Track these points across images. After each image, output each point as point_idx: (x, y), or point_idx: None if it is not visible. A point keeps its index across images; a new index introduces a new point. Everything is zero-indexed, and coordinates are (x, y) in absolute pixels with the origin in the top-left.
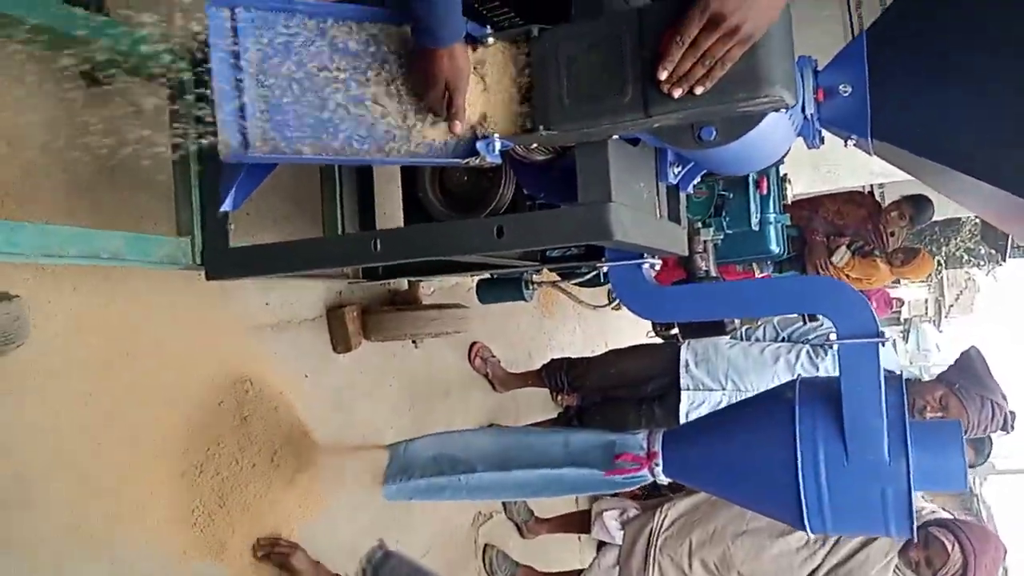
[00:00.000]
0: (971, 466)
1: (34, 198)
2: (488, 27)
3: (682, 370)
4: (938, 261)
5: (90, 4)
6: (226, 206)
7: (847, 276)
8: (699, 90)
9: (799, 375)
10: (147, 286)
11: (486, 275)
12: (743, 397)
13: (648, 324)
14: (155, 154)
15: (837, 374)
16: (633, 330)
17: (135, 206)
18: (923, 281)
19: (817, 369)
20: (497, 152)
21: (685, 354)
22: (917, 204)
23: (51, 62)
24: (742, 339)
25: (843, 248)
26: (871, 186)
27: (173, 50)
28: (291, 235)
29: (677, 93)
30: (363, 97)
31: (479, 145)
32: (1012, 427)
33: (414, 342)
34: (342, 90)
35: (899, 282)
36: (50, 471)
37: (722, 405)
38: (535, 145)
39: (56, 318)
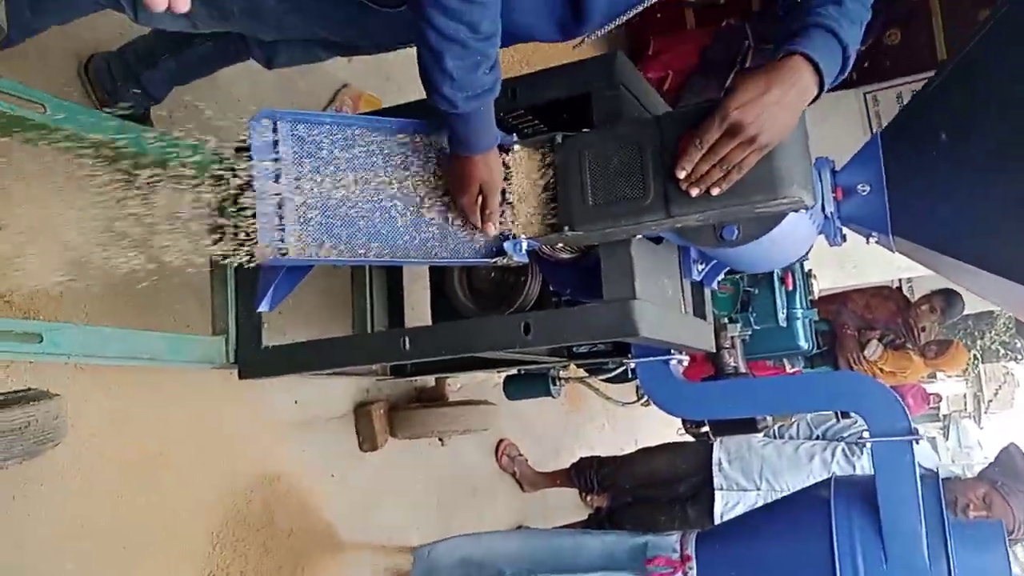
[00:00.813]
0: None
1: (76, 297)
2: (514, 135)
3: (715, 469)
4: (974, 355)
5: (135, 116)
6: (263, 307)
7: (881, 370)
8: (715, 191)
9: (835, 474)
10: (180, 384)
11: (513, 371)
12: (777, 496)
13: (678, 421)
14: (192, 256)
15: (873, 472)
16: (663, 427)
17: (171, 305)
18: (959, 375)
19: (853, 468)
20: (524, 252)
21: (718, 453)
22: (948, 298)
23: (96, 168)
24: (775, 437)
25: (875, 341)
26: (898, 280)
27: (213, 159)
28: (321, 332)
29: (694, 192)
30: (398, 203)
31: (507, 245)
32: None
33: (440, 439)
34: (378, 197)
35: (935, 376)
36: (79, 574)
37: (757, 505)
38: (560, 244)
39: (92, 417)
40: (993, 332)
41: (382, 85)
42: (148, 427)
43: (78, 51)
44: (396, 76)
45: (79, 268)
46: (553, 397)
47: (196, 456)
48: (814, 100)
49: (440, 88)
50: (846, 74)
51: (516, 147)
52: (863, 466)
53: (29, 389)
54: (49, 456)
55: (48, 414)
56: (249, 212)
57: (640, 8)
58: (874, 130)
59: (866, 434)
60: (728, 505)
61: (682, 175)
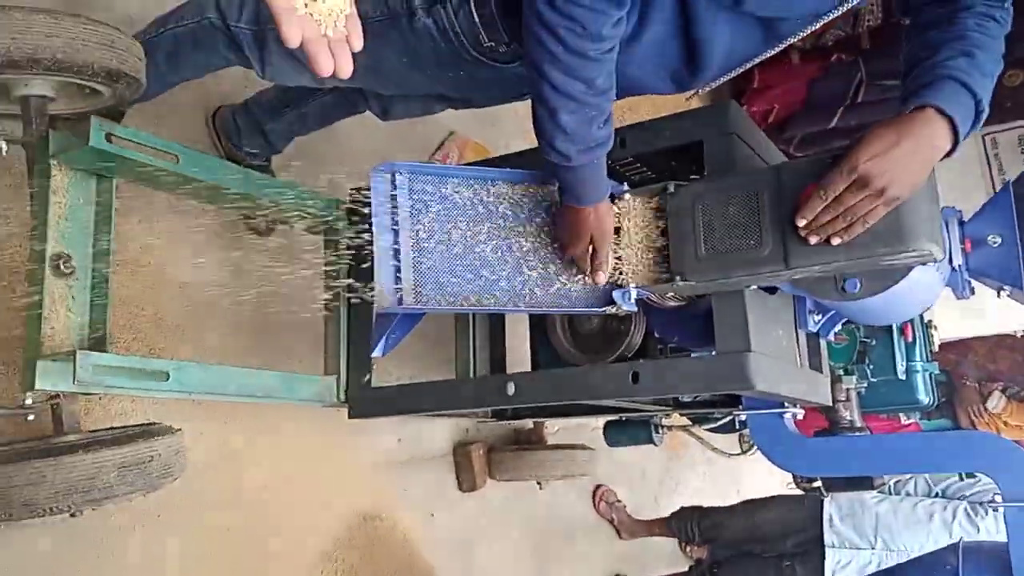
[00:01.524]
0: None
1: (201, 337)
2: (625, 184)
3: (826, 526)
4: None
5: (258, 166)
6: (376, 352)
7: (1005, 424)
8: (836, 241)
9: (960, 537)
10: (291, 421)
11: (614, 416)
12: (893, 557)
13: (787, 474)
14: (308, 301)
15: (1000, 537)
16: (767, 477)
17: (286, 345)
18: None
19: (977, 530)
20: (633, 301)
21: (829, 508)
22: None
23: (222, 216)
24: (890, 493)
25: (998, 393)
26: None
27: (330, 207)
28: (423, 374)
29: (813, 240)
30: (511, 253)
31: (616, 295)
32: None
33: (539, 483)
34: (490, 247)
35: None
36: None
37: (871, 566)
38: (671, 293)
39: (207, 450)
40: None
41: (488, 132)
42: (258, 462)
43: (206, 103)
44: (502, 123)
45: (201, 308)
46: (656, 445)
47: (302, 491)
48: (947, 155)
49: (554, 142)
50: (979, 127)
51: (627, 196)
52: (988, 528)
53: (153, 423)
54: (167, 488)
55: (170, 448)
56: (368, 261)
57: (753, 63)
58: (994, 175)
59: (998, 497)
60: (840, 564)
61: (802, 223)
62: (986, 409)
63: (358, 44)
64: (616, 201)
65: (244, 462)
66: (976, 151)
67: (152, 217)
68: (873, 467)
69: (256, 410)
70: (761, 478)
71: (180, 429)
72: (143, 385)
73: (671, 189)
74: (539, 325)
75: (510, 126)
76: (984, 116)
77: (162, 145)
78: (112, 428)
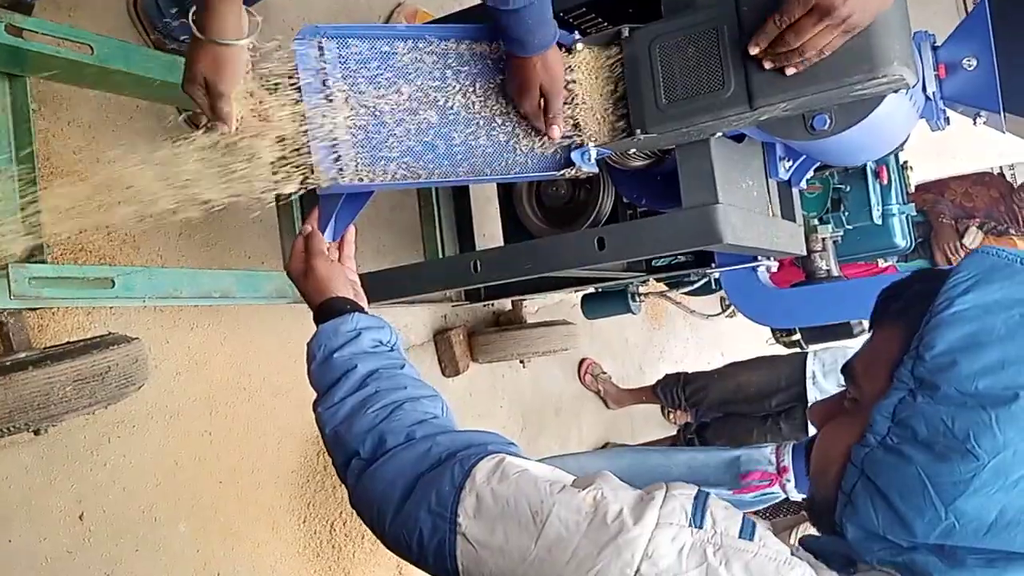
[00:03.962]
0: None
1: (147, 242)
2: (576, 33)
3: (809, 383)
4: None
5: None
6: (327, 237)
7: None
8: (790, 71)
9: None
10: (258, 321)
11: (590, 290)
12: None
13: (767, 331)
14: (256, 191)
15: None
16: (750, 337)
17: (243, 244)
18: None
19: None
20: (593, 161)
21: (812, 365)
22: None
23: (157, 111)
24: None
25: (974, 228)
26: (1000, 168)
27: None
28: (393, 263)
29: (768, 65)
30: (455, 117)
31: (574, 155)
32: None
33: (522, 362)
34: (434, 112)
35: None
36: (176, 511)
37: None
38: (632, 151)
39: (175, 358)
40: None
41: (438, 1)
42: (229, 365)
43: None
44: None
45: (147, 210)
46: (633, 314)
47: (278, 390)
48: None
49: None
50: None
51: (579, 46)
52: None
53: (108, 334)
54: (138, 397)
55: (127, 357)
56: (303, 139)
57: None
58: (967, 3)
59: None
60: None
61: (755, 51)
62: (963, 245)
63: None
64: (568, 53)
65: (216, 365)
66: None
67: (82, 119)
68: (848, 312)
69: (223, 312)
70: (744, 338)
71: (137, 338)
72: (88, 294)
73: (626, 33)
74: (507, 203)
75: None
76: None
77: (73, 35)
78: (66, 343)
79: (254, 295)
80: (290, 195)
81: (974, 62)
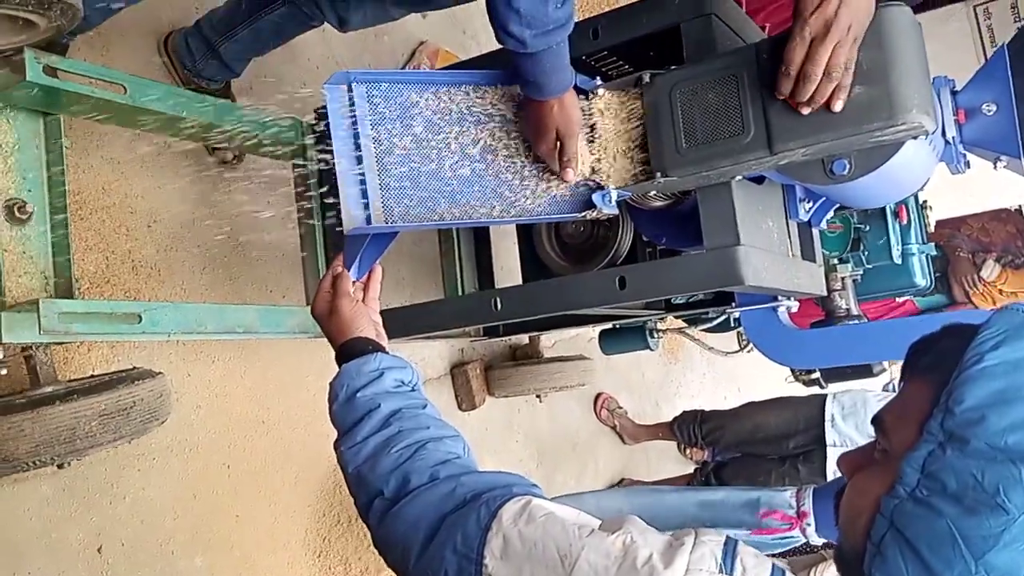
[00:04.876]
0: None
1: (172, 275)
2: (598, 78)
3: (827, 425)
4: None
5: (217, 91)
6: (352, 275)
7: (1000, 292)
8: (838, 105)
9: None
10: (276, 354)
11: (608, 325)
12: None
13: (785, 368)
14: (283, 228)
15: None
16: (768, 374)
17: (267, 278)
18: None
19: None
20: (614, 203)
21: (831, 408)
22: None
23: (185, 147)
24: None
25: (991, 261)
26: (1020, 206)
27: (296, 129)
28: (413, 297)
29: (806, 111)
30: (479, 160)
31: (595, 197)
32: None
33: (538, 396)
34: (458, 155)
35: None
36: (193, 545)
37: None
38: (653, 192)
39: (196, 391)
40: None
41: (459, 39)
42: (250, 398)
43: (157, 30)
44: (472, 29)
45: (174, 245)
46: (651, 350)
47: (298, 424)
48: None
49: (508, 26)
50: None
51: (600, 91)
52: None
53: (133, 368)
54: (158, 431)
55: (152, 392)
56: (331, 180)
57: None
58: (986, 46)
59: None
60: None
61: (784, 95)
62: (981, 278)
63: None
64: (590, 97)
65: (237, 400)
66: (968, 23)
67: (113, 155)
68: (867, 353)
69: (244, 346)
70: (761, 375)
71: (162, 372)
72: (116, 329)
73: (646, 79)
74: (527, 238)
75: (483, 33)
76: None
77: (107, 75)
78: (91, 376)
79: (276, 330)
80: (312, 226)
81: (994, 107)
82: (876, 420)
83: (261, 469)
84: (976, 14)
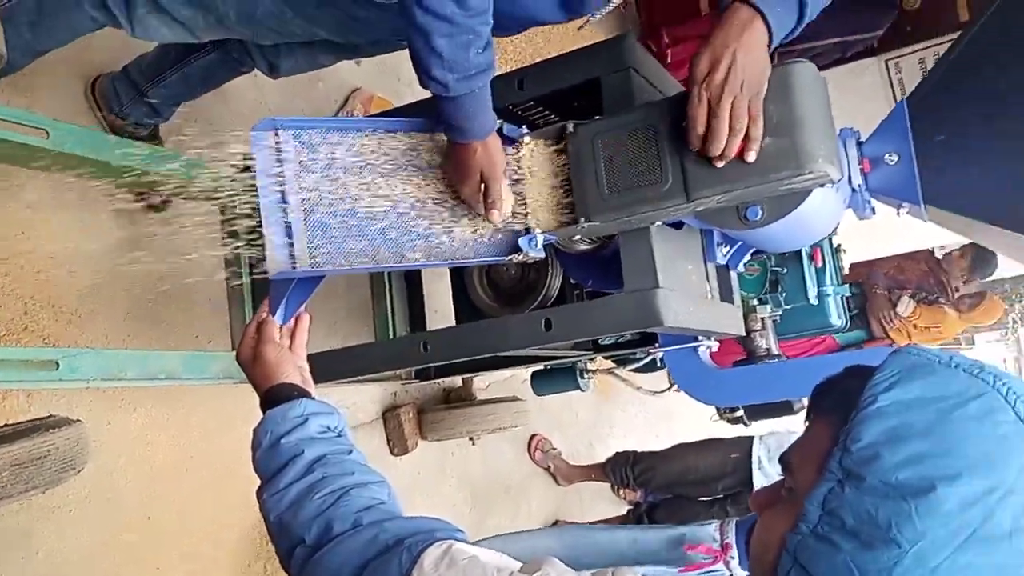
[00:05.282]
0: None
1: (94, 321)
2: (524, 127)
3: (755, 468)
4: (1012, 318)
5: (145, 136)
6: (278, 319)
7: (915, 327)
8: (751, 156)
9: None
10: (203, 400)
11: (540, 366)
12: None
13: (711, 408)
14: (208, 272)
15: None
16: (697, 412)
17: (192, 323)
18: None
19: None
20: (540, 247)
21: (758, 450)
22: (978, 250)
23: (109, 192)
24: None
25: (906, 298)
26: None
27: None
28: (346, 340)
29: (720, 164)
30: (405, 205)
31: (522, 242)
32: None
33: (471, 439)
34: (385, 200)
35: (973, 341)
36: None
37: None
38: (578, 236)
39: (117, 440)
40: None
41: (393, 86)
42: (173, 446)
43: (84, 74)
44: (407, 76)
45: (96, 291)
46: (582, 391)
47: (223, 471)
48: (770, 40)
49: (431, 70)
50: (806, 11)
51: (526, 139)
52: None
53: (49, 416)
54: (76, 480)
55: (69, 441)
56: (257, 225)
57: None
58: (898, 99)
59: None
60: None
61: (695, 149)
62: (897, 314)
63: None
64: (516, 145)
65: (159, 448)
66: (880, 76)
67: (33, 199)
68: (785, 391)
69: (166, 393)
70: (691, 413)
71: (79, 420)
72: (32, 376)
73: (570, 128)
74: (459, 282)
75: (414, 78)
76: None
77: (28, 119)
78: (4, 425)
79: (200, 376)
80: (238, 271)
81: (895, 157)
82: (783, 459)
83: (183, 519)
84: (888, 68)
